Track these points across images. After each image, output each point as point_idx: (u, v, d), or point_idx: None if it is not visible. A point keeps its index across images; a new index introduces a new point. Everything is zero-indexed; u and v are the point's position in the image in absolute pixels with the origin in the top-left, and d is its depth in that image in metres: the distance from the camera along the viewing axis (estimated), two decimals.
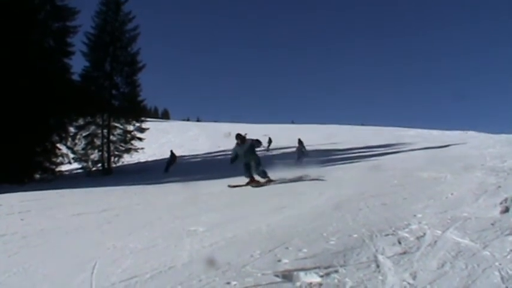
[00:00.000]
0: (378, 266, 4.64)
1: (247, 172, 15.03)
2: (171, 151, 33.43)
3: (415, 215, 7.20)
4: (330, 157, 26.88)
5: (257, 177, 14.83)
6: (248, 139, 15.49)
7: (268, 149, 42.64)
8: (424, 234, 5.93)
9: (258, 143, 15.47)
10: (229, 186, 14.45)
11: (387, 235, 5.94)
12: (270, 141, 45.07)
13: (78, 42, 40.14)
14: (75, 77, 35.72)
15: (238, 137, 15.41)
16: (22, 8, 30.15)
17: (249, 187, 14.31)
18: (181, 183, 18.93)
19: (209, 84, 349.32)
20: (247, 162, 15.01)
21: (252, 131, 67.43)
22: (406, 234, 5.94)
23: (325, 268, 4.58)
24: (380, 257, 4.93)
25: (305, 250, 5.30)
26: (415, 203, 8.55)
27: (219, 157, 39.62)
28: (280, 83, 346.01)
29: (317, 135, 49.21)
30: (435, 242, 5.53)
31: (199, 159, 39.80)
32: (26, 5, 30.89)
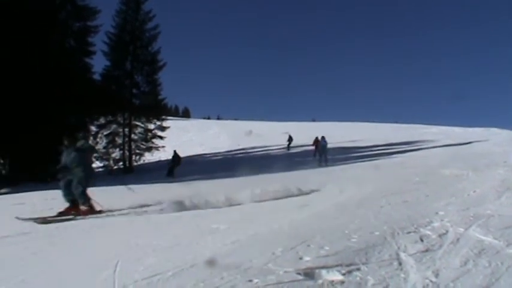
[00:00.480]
0: (400, 264, 4.62)
1: (67, 194, 10.71)
2: (175, 151, 29.88)
3: (437, 213, 7.15)
4: (351, 154, 26.83)
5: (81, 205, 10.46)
6: (83, 142, 11.66)
7: (288, 148, 40.84)
8: (447, 231, 5.89)
9: (90, 150, 12.04)
10: (18, 218, 9.81)
11: (409, 233, 5.92)
12: (290, 139, 42.27)
13: (98, 42, 40.59)
14: (96, 77, 36.13)
15: (66, 137, 11.51)
16: (43, 8, 30.39)
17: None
18: (202, 181, 18.96)
19: (229, 83, 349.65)
20: (71, 178, 10.61)
21: (273, 129, 67.61)
22: (428, 232, 5.91)
23: (347, 266, 4.57)
24: (402, 255, 4.91)
25: (327, 248, 5.29)
26: (437, 200, 8.51)
27: (239, 155, 39.67)
28: (301, 80, 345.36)
29: (338, 133, 49.06)
30: (458, 239, 5.49)
31: (220, 157, 39.91)
32: (47, 5, 31.13)
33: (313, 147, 31.60)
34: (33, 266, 5.75)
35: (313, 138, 31.16)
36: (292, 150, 39.11)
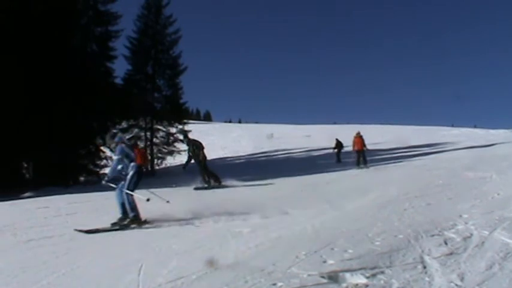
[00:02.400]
0: (424, 267, 4.59)
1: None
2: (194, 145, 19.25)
3: (461, 215, 7.11)
4: (372, 157, 26.66)
5: None
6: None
7: (339, 158, 29.25)
8: (471, 234, 5.85)
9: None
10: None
11: (433, 236, 5.89)
12: (339, 145, 30.23)
13: (120, 46, 40.81)
14: (118, 81, 36.22)
15: None
16: (65, 14, 30.65)
17: None
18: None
19: (250, 86, 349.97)
20: None
21: (294, 132, 67.49)
22: (453, 235, 5.87)
23: (371, 269, 4.56)
24: (426, 258, 4.88)
25: (350, 251, 5.29)
26: (461, 203, 8.46)
27: (261, 158, 39.61)
28: (322, 83, 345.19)
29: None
30: (482, 242, 5.45)
31: (242, 160, 39.84)
32: (69, 11, 31.39)
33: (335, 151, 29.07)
34: (56, 270, 5.78)
35: (333, 140, 29.80)
36: (315, 153, 38.31)
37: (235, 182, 16.24)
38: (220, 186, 16.02)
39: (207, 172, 16.56)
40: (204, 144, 17.72)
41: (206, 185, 16.07)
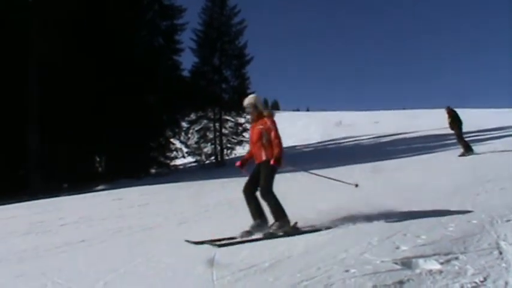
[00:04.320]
0: (500, 253, 4.49)
1: None
2: None
3: None
4: (443, 142, 26.15)
5: None
6: None
7: (465, 142, 18.23)
8: None
9: None
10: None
11: (509, 221, 5.75)
12: (456, 119, 19.16)
13: (186, 39, 41.39)
14: (185, 73, 36.82)
15: None
16: (132, 9, 31.29)
17: None
18: (295, 173, 18.89)
19: (317, 74, 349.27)
20: None
21: (362, 118, 66.77)
22: None
23: (445, 255, 4.50)
24: (502, 244, 4.78)
25: (423, 237, 5.23)
26: None
27: (330, 146, 39.41)
28: (390, 68, 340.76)
29: (430, 121, 47.85)
30: None
31: (311, 148, 39.69)
32: (135, 6, 32.03)
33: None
34: (132, 259, 5.96)
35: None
36: (384, 140, 37.66)
37: None
38: None
39: None
40: None
41: None
